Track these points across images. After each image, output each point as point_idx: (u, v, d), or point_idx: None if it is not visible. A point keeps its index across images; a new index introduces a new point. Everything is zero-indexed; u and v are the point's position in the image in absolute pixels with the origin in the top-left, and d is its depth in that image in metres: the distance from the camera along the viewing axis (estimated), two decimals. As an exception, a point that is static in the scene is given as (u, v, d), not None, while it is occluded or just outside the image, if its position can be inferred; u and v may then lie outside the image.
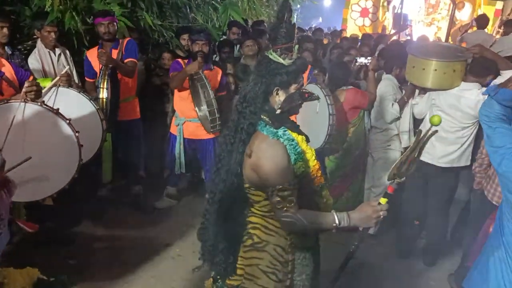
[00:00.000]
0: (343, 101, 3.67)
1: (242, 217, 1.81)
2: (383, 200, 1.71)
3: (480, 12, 8.88)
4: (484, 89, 2.89)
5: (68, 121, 2.53)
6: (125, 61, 3.62)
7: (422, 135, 1.78)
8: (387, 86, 3.73)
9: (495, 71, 3.05)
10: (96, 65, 3.58)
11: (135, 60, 3.67)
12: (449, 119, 3.16)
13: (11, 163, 2.02)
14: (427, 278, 3.34)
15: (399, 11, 7.92)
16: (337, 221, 1.62)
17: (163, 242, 3.54)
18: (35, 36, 3.77)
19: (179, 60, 3.90)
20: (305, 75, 3.72)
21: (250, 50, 4.35)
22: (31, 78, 2.81)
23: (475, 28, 7.25)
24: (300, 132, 1.76)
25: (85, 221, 3.72)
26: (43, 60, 3.58)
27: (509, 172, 1.67)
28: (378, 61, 4.03)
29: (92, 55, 3.61)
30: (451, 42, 6.80)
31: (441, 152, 3.21)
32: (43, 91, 2.66)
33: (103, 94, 3.39)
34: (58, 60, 3.66)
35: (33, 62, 3.54)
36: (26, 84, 2.41)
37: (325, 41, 7.74)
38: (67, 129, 2.53)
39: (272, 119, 1.65)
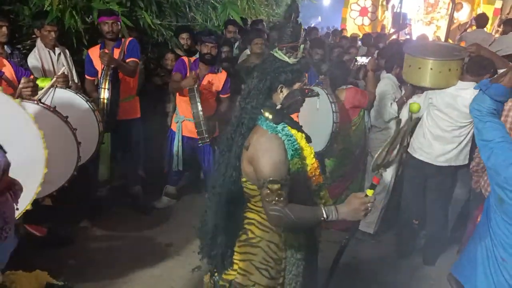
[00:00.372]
0: (343, 100, 3.68)
1: (240, 211, 1.82)
2: (369, 192, 1.69)
3: (479, 11, 8.89)
4: (480, 88, 2.89)
5: (65, 119, 2.52)
6: (127, 60, 3.60)
7: (402, 124, 1.79)
8: (386, 85, 3.73)
9: (492, 70, 3.03)
10: (98, 64, 3.57)
11: (137, 60, 3.65)
12: (446, 118, 3.15)
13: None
14: (427, 278, 3.34)
15: (398, 10, 7.89)
16: (325, 215, 1.62)
17: (163, 242, 3.53)
18: (34, 36, 3.75)
19: (184, 58, 3.89)
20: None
21: (259, 48, 4.31)
22: (31, 77, 2.80)
23: (474, 27, 7.25)
24: (300, 130, 1.77)
25: (84, 221, 3.71)
26: (43, 59, 3.56)
27: (497, 165, 1.70)
28: (378, 61, 4.03)
29: (94, 54, 3.60)
30: (450, 41, 6.80)
31: (438, 151, 3.21)
32: (40, 92, 2.65)
33: (105, 94, 3.37)
34: (57, 60, 3.64)
35: (32, 61, 3.53)
36: (22, 81, 2.41)
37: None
38: (64, 127, 2.52)
39: (273, 114, 1.67)
